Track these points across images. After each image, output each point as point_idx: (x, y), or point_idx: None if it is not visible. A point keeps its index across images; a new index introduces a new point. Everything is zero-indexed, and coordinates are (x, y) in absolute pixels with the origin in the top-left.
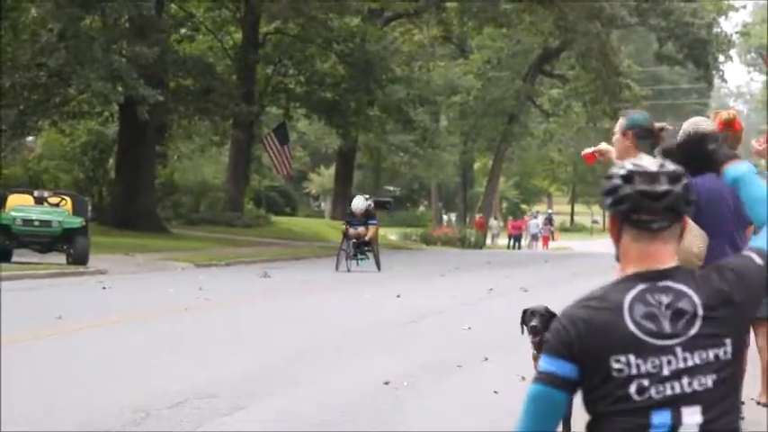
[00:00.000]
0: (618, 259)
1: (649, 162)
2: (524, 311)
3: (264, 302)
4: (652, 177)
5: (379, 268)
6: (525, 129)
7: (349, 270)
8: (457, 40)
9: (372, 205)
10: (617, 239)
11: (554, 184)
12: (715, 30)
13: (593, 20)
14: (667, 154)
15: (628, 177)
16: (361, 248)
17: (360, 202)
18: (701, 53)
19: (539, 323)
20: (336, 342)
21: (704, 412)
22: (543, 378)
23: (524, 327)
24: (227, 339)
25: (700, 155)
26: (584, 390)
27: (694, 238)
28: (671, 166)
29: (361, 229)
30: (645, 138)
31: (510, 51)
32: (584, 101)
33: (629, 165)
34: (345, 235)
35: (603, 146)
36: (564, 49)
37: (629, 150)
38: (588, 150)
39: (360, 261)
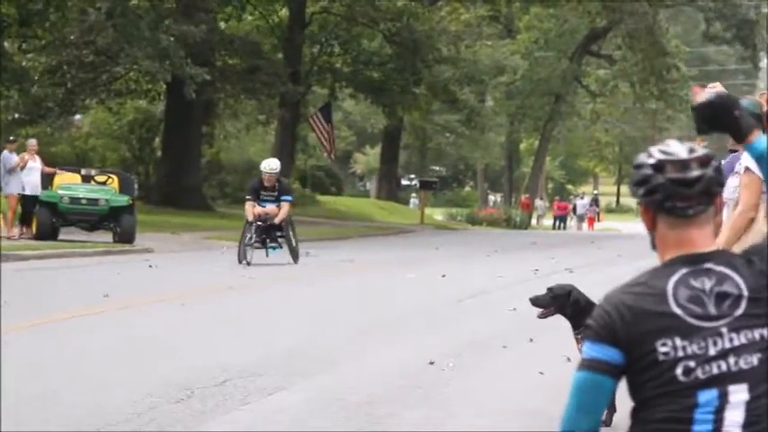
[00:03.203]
0: (654, 247)
1: (679, 148)
2: (549, 289)
3: (309, 282)
4: (683, 164)
5: (295, 259)
6: (572, 109)
7: (248, 263)
8: (504, 20)
9: (278, 178)
10: (652, 227)
11: (600, 164)
12: (763, 10)
13: (641, 0)
14: (697, 109)
15: (659, 166)
16: (271, 233)
17: (272, 164)
18: (748, 33)
19: (541, 297)
20: (381, 322)
21: (750, 390)
22: (589, 365)
23: (538, 300)
24: (271, 318)
25: (726, 118)
26: (630, 375)
27: (765, 219)
28: (701, 151)
29: (270, 208)
30: None
31: (557, 31)
32: (631, 81)
33: (657, 153)
34: (250, 217)
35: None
36: (611, 29)
37: None
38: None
39: (270, 250)
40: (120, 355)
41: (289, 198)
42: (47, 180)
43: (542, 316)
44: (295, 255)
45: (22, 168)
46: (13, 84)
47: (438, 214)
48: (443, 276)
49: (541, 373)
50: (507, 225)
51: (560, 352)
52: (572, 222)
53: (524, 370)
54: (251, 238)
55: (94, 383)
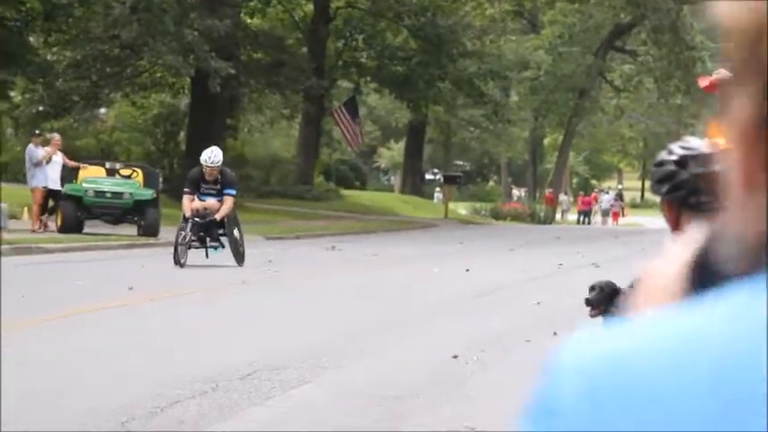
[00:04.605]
0: None
1: (699, 143)
2: (591, 287)
3: (334, 276)
4: (706, 159)
5: (240, 261)
6: (596, 104)
7: (182, 265)
8: (528, 15)
9: (220, 168)
10: (675, 227)
11: (624, 159)
12: None
13: None
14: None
15: (681, 162)
16: (211, 231)
17: (213, 156)
18: None
19: (594, 296)
20: (405, 315)
21: None
22: None
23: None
24: (296, 312)
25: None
26: None
27: None
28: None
29: (210, 202)
30: None
31: (581, 27)
32: (655, 76)
33: (678, 149)
34: (187, 212)
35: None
36: (635, 24)
37: None
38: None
39: (210, 250)
40: (145, 349)
41: (233, 191)
42: (71, 174)
43: (594, 315)
44: (239, 256)
45: (48, 162)
46: (39, 77)
47: (462, 209)
48: (467, 270)
49: None
50: (531, 220)
51: None
52: (596, 217)
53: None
54: (185, 237)
55: (119, 376)
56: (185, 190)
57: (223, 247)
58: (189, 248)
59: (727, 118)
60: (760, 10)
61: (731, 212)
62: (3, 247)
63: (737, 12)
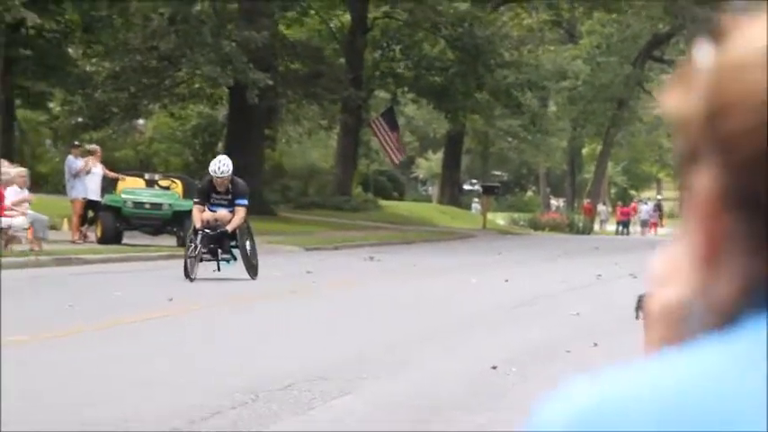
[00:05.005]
0: None
1: None
2: (640, 297)
3: (372, 286)
4: None
5: (253, 274)
6: (634, 114)
7: (192, 279)
8: (566, 25)
9: (229, 178)
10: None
11: (663, 169)
12: None
13: (703, 5)
14: None
15: None
16: (222, 243)
17: (222, 165)
18: None
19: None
20: (444, 326)
21: None
22: None
23: (638, 312)
24: (335, 322)
25: None
26: None
27: None
28: None
29: (221, 213)
30: None
31: (619, 36)
32: None
33: None
34: (197, 223)
35: None
36: (674, 34)
37: None
38: None
39: (222, 263)
40: (185, 359)
41: (244, 202)
42: (110, 185)
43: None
44: (252, 269)
45: (87, 173)
46: (78, 89)
47: (500, 219)
48: (506, 281)
49: None
50: (570, 230)
51: (625, 357)
52: (635, 227)
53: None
54: (195, 249)
55: (159, 387)
56: (195, 200)
57: (235, 259)
58: (200, 261)
59: (689, 196)
60: (699, 99)
61: (698, 283)
62: (43, 257)
63: (681, 104)
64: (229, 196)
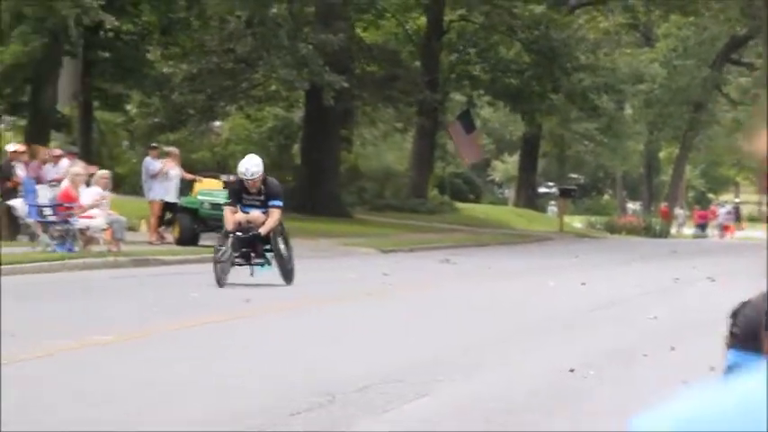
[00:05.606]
0: None
1: None
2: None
3: (448, 288)
4: None
5: (288, 279)
6: (712, 117)
7: (222, 284)
8: (642, 28)
9: (265, 179)
10: None
11: (741, 173)
12: None
13: None
14: None
15: None
16: (256, 247)
17: (251, 166)
18: None
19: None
20: (521, 328)
21: None
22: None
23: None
24: (410, 325)
25: None
26: None
27: None
28: None
29: (254, 215)
30: None
31: (696, 39)
32: None
33: None
34: (229, 226)
35: None
36: (752, 36)
37: None
38: None
39: (256, 268)
40: (260, 361)
41: (279, 203)
42: (187, 186)
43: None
44: (287, 274)
45: (165, 175)
46: (155, 91)
47: (577, 222)
48: (583, 284)
49: (684, 382)
50: (647, 233)
51: (704, 361)
52: (713, 231)
53: (666, 378)
54: (225, 253)
55: (234, 388)
56: (226, 201)
57: (270, 264)
58: (232, 265)
59: None
60: None
61: None
62: (121, 258)
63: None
64: (262, 197)
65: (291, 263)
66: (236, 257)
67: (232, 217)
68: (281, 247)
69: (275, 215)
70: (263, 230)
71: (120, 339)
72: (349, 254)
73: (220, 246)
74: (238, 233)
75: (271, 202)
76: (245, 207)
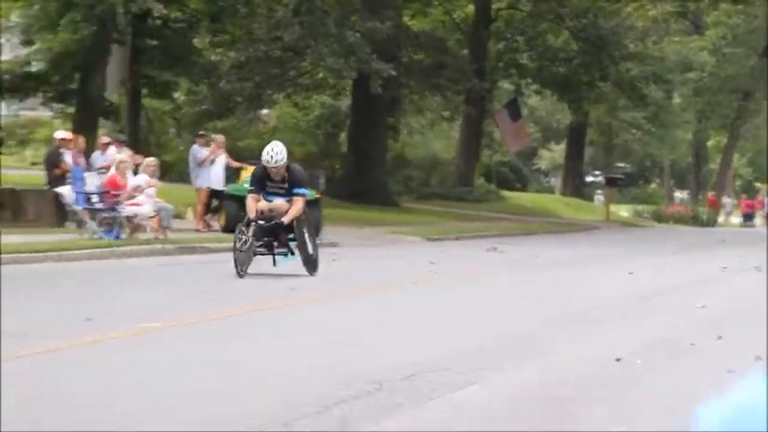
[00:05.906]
0: None
1: None
2: None
3: (495, 277)
4: None
5: (312, 270)
6: (760, 106)
7: (242, 275)
8: (692, 16)
9: (294, 170)
10: None
11: None
12: None
13: None
14: None
15: None
16: (279, 236)
17: (275, 153)
18: None
19: None
20: (567, 317)
21: None
22: None
23: None
24: (457, 313)
25: None
26: None
27: None
28: None
29: (277, 203)
30: None
31: (746, 27)
32: None
33: None
34: (251, 213)
35: None
36: None
37: None
38: None
39: (279, 257)
40: (309, 348)
41: (303, 191)
42: (234, 174)
43: None
44: (311, 264)
45: (212, 163)
46: (203, 78)
47: (624, 211)
48: (630, 273)
49: (731, 371)
50: (694, 222)
51: (751, 350)
52: (760, 220)
53: (713, 368)
54: (246, 242)
55: (283, 376)
56: (249, 188)
57: (293, 253)
58: (254, 255)
59: None
60: None
61: None
62: (168, 246)
63: None
64: (286, 185)
65: (316, 252)
66: (258, 246)
67: (254, 204)
68: (305, 236)
69: (299, 204)
70: (285, 219)
71: (168, 326)
72: (396, 242)
73: (240, 234)
74: (260, 221)
75: (295, 191)
76: (269, 195)
